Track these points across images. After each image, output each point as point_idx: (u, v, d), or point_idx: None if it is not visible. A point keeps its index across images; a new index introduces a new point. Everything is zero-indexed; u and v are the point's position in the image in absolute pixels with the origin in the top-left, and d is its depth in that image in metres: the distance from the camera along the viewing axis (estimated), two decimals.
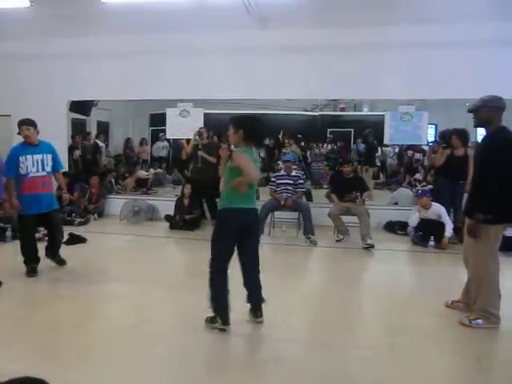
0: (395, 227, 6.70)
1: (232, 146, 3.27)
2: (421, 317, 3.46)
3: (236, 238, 3.12)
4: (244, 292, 3.26)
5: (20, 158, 4.28)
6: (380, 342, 3.06)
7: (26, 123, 4.37)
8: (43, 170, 4.39)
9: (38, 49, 7.48)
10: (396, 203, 7.47)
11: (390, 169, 10.48)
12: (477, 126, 3.34)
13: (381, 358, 2.83)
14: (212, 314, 3.15)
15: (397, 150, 10.26)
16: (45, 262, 4.61)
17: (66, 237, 5.68)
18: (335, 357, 2.84)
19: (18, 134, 4.42)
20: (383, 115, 7.42)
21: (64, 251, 5.02)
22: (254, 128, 3.16)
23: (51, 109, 7.66)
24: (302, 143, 10.97)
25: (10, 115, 7.77)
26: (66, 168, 7.79)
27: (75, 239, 5.78)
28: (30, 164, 4.30)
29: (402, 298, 3.99)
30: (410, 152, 9.25)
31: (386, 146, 9.91)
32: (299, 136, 10.99)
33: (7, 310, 3.49)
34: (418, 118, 6.99)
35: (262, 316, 3.29)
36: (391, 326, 3.38)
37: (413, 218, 6.07)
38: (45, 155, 4.41)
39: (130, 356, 2.82)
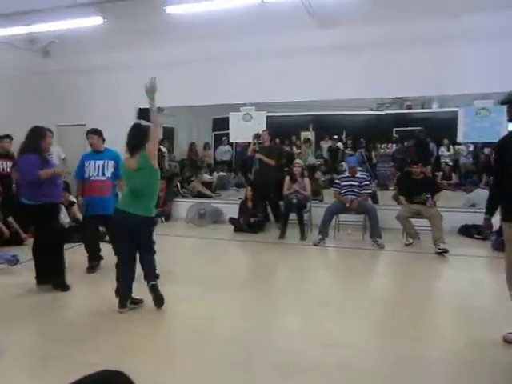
0: (472, 231, 6.22)
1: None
2: (502, 329, 3.10)
3: (122, 236, 3.52)
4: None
5: (85, 162, 4.73)
6: (457, 356, 2.82)
7: (91, 132, 4.83)
8: (103, 174, 4.71)
9: (109, 61, 7.97)
10: (472, 205, 6.95)
11: (463, 168, 9.82)
12: (511, 119, 2.89)
13: (455, 374, 2.60)
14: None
15: (471, 148, 9.59)
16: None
17: None
18: (406, 368, 2.67)
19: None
20: (455, 111, 6.97)
21: None
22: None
23: (121, 117, 8.06)
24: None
25: (85, 124, 8.33)
26: None
27: None
28: (92, 168, 4.70)
29: (480, 308, 3.68)
30: (487, 150, 8.59)
31: (459, 144, 9.30)
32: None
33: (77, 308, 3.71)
34: (497, 113, 6.42)
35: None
36: (469, 338, 3.09)
37: (494, 222, 5.57)
38: (106, 161, 4.73)
39: (196, 355, 2.86)
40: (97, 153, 4.78)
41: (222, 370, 2.67)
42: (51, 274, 4.10)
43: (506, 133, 6.62)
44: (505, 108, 2.88)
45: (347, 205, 6.00)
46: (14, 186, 6.34)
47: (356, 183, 6.13)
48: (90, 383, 1.02)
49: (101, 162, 4.70)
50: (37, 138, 4.00)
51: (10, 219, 5.93)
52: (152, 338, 3.12)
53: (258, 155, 7.00)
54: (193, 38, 7.20)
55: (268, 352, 2.88)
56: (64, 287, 4.07)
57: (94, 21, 6.88)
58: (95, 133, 4.82)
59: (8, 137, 6.50)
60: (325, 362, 2.72)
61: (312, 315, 3.52)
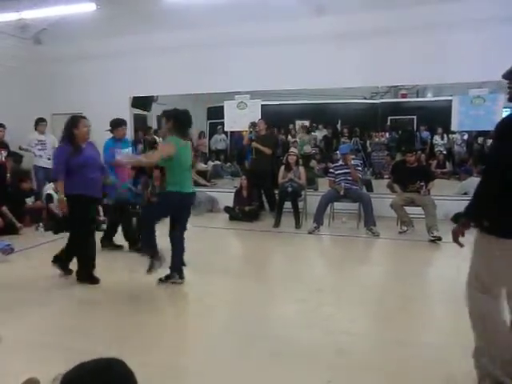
0: None
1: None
2: None
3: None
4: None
5: (116, 151, 4.97)
6: (449, 342, 2.87)
7: (126, 123, 5.23)
8: None
9: (103, 48, 7.85)
10: (465, 193, 7.00)
11: (457, 157, 9.88)
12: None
13: (450, 359, 2.65)
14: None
15: (465, 136, 9.64)
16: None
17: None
18: (400, 354, 2.71)
19: (109, 131, 5.09)
20: (450, 100, 6.98)
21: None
22: (181, 120, 3.90)
23: (115, 105, 7.99)
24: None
25: (81, 113, 8.24)
26: None
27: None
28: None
29: None
30: (480, 139, 8.64)
31: (453, 132, 9.35)
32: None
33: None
34: (491, 101, 6.45)
35: None
36: (463, 324, 3.14)
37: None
38: (129, 149, 5.24)
39: (194, 342, 2.89)
40: (120, 141, 5.12)
41: (220, 357, 2.69)
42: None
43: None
44: (506, 84, 2.18)
45: (341, 192, 6.04)
46: (8, 175, 6.30)
47: (349, 171, 6.16)
48: (87, 371, 1.02)
49: (127, 150, 5.22)
50: (69, 127, 3.94)
51: (4, 209, 5.90)
52: (148, 326, 3.13)
53: (254, 144, 7.02)
54: (187, 25, 7.10)
55: (266, 339, 2.91)
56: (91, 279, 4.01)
57: (87, 7, 6.76)
58: (126, 124, 5.30)
59: (1, 125, 6.44)
60: (323, 349, 2.76)
61: (309, 302, 3.55)
